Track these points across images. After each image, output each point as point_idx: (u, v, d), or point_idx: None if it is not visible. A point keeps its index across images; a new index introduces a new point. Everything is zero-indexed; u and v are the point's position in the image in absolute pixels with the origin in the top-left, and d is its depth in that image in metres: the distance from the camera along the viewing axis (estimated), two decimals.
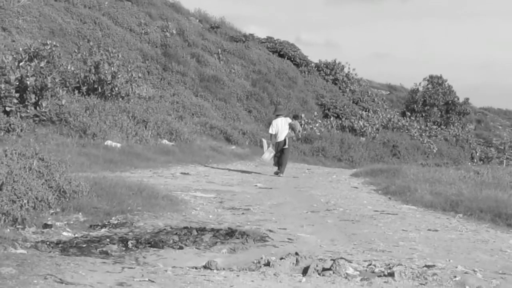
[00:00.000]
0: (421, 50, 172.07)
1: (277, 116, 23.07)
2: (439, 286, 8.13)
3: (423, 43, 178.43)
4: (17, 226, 9.62)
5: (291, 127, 22.64)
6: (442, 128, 45.78)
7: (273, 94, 40.86)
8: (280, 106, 28.62)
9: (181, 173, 20.11)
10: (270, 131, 22.61)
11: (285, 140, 22.20)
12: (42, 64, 23.63)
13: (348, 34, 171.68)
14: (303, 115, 34.74)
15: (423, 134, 42.71)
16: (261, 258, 8.92)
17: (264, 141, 23.48)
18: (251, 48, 45.13)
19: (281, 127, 22.20)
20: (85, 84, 27.69)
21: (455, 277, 8.54)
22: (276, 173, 22.39)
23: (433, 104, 47.42)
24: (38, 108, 22.39)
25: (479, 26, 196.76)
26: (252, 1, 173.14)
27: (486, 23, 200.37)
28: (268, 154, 22.57)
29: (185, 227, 10.74)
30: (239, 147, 31.63)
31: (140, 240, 9.67)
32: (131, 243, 9.50)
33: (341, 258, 8.99)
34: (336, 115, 42.16)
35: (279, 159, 22.37)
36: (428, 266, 8.97)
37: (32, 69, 22.65)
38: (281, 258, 8.91)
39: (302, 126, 33.22)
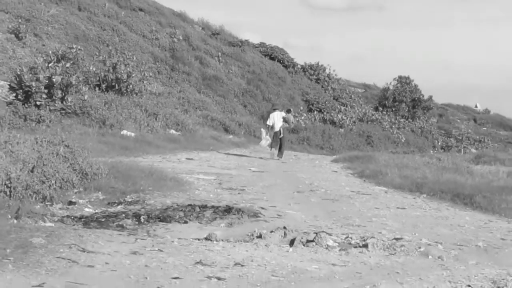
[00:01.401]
0: (392, 54, 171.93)
1: (274, 110, 24.04)
2: (406, 256, 8.15)
3: (394, 48, 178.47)
4: (46, 203, 9.61)
5: (285, 120, 23.15)
6: (409, 121, 45.80)
7: (265, 91, 40.86)
8: (276, 102, 30.19)
9: (186, 158, 20.09)
10: (268, 123, 23.22)
11: (280, 130, 22.71)
12: (68, 65, 23.65)
13: (330, 40, 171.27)
14: (291, 109, 34.78)
15: (393, 126, 42.73)
16: (254, 231, 8.93)
17: (262, 131, 24.01)
18: (246, 51, 45.03)
19: (277, 119, 22.80)
20: (105, 82, 27.74)
21: (419, 248, 8.55)
22: (273, 156, 22.85)
23: (402, 101, 47.43)
24: (64, 102, 22.39)
25: (442, 34, 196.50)
26: (248, 11, 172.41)
27: (447, 31, 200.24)
28: (265, 141, 23.26)
29: (189, 205, 10.75)
30: (236, 136, 31.62)
31: (151, 216, 9.67)
32: (143, 218, 9.51)
33: (323, 231, 9.00)
34: (319, 109, 42.17)
35: (279, 145, 22.90)
36: (396, 239, 9.00)
37: (60, 69, 22.64)
38: (271, 231, 8.92)
39: (295, 119, 33.36)
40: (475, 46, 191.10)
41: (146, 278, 6.41)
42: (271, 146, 23.16)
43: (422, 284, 6.65)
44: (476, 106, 65.01)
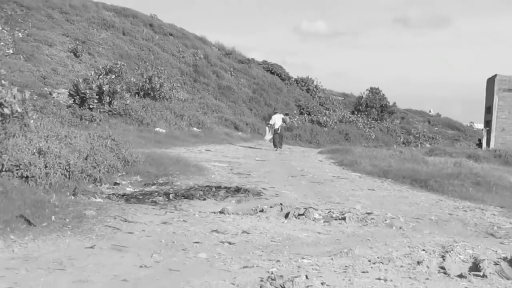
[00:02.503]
0: (365, 70, 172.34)
1: (275, 113, 24.51)
2: (375, 226, 8.15)
3: (366, 65, 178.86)
4: (96, 184, 9.64)
5: (284, 120, 23.74)
6: (378, 122, 45.63)
7: (266, 98, 40.77)
8: (276, 107, 31.08)
9: (205, 150, 20.08)
10: (270, 122, 23.73)
11: (279, 127, 23.16)
12: (114, 77, 23.77)
13: (316, 59, 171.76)
14: (287, 113, 34.68)
15: (366, 126, 42.59)
16: (257, 206, 8.93)
17: (267, 128, 24.54)
18: (252, 67, 44.91)
19: (277, 120, 23.29)
20: (142, 90, 27.76)
21: (385, 220, 8.56)
22: (275, 148, 23.05)
23: (372, 106, 47.26)
24: (111, 106, 22.44)
25: (404, 55, 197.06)
26: (254, 36, 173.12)
27: (407, 53, 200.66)
28: (269, 136, 23.88)
29: (207, 186, 10.76)
30: (244, 133, 31.61)
31: (177, 194, 9.69)
32: (172, 195, 9.52)
33: (311, 207, 9.00)
34: (308, 113, 42.00)
35: (278, 140, 23.24)
36: (368, 213, 9.00)
37: (107, 80, 22.72)
38: (271, 207, 8.93)
39: (290, 120, 33.52)
40: (429, 65, 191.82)
41: (174, 242, 6.42)
42: (273, 141, 23.46)
43: (387, 248, 6.65)
44: (430, 111, 64.76)
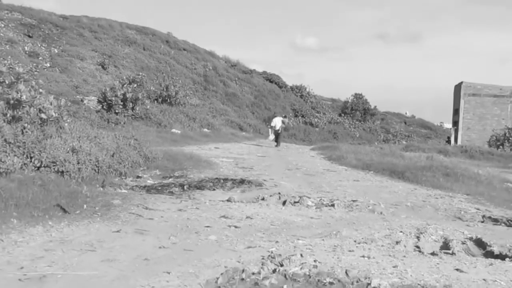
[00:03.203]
0: (350, 79, 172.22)
1: (275, 116, 25.13)
2: (359, 212, 8.13)
3: (351, 74, 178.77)
4: (122, 177, 9.63)
5: (283, 122, 24.21)
6: (361, 123, 45.54)
7: (266, 103, 40.67)
8: (275, 111, 31.48)
9: (214, 147, 20.07)
10: (272, 124, 24.04)
11: (279, 128, 23.67)
12: (135, 86, 23.71)
13: (309, 69, 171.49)
14: (285, 115, 34.64)
15: (351, 126, 42.54)
16: (259, 195, 8.93)
17: (269, 129, 24.70)
18: (254, 77, 44.83)
19: (277, 122, 23.71)
20: (160, 97, 27.78)
21: (368, 206, 8.54)
22: (276, 146, 23.38)
23: (356, 109, 47.20)
24: (133, 110, 22.45)
25: (383, 66, 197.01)
26: (255, 50, 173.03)
27: (386, 65, 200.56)
28: (272, 136, 24.16)
29: (216, 178, 10.75)
30: (247, 133, 31.59)
31: (191, 185, 9.68)
32: (186, 186, 9.51)
33: (304, 196, 8.99)
34: (302, 115, 41.93)
35: (277, 139, 23.72)
36: (353, 201, 8.98)
37: (130, 88, 22.71)
38: (271, 196, 8.92)
39: (288, 122, 33.60)
40: (405, 74, 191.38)
41: (188, 226, 6.41)
42: (274, 139, 23.77)
43: (370, 230, 6.64)
44: (405, 113, 64.65)
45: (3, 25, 28.82)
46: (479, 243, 6.31)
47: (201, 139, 23.13)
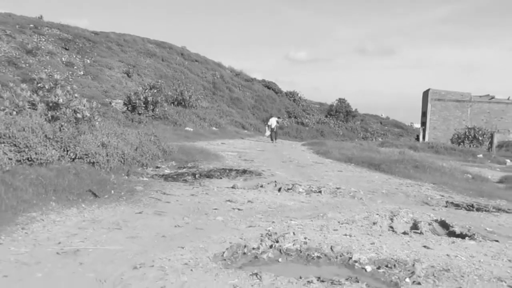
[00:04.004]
0: (335, 85, 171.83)
1: (271, 116, 25.12)
2: (342, 197, 8.11)
3: (336, 82, 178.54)
4: (143, 167, 9.61)
5: (277, 122, 24.19)
6: (344, 123, 45.33)
7: (264, 106, 40.51)
8: (272, 113, 31.43)
9: (221, 143, 20.04)
10: (269, 123, 23.96)
11: (275, 127, 23.49)
12: (155, 91, 23.66)
13: (300, 77, 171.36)
14: (279, 117, 34.60)
15: (335, 126, 42.33)
16: (258, 183, 8.91)
17: (266, 128, 24.73)
18: (254, 84, 44.67)
19: (273, 121, 23.58)
20: (176, 101, 27.69)
21: (350, 193, 8.53)
22: (272, 142, 23.17)
23: (340, 112, 46.98)
24: (153, 112, 22.39)
25: (362, 74, 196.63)
26: (256, 61, 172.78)
27: (365, 73, 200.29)
28: (268, 133, 24.07)
29: (223, 168, 10.72)
30: (248, 131, 31.50)
31: (201, 174, 9.65)
32: (197, 175, 9.48)
33: (296, 183, 8.97)
34: (294, 116, 41.77)
35: (274, 136, 23.49)
36: (337, 188, 8.96)
37: (151, 93, 22.64)
38: (268, 183, 8.90)
39: (282, 121, 33.58)
40: (380, 81, 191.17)
41: (199, 209, 6.40)
42: (270, 136, 23.60)
43: (351, 213, 6.62)
44: (381, 115, 64.42)
45: (44, 39, 28.73)
46: (443, 224, 6.30)
47: (210, 136, 23.09)
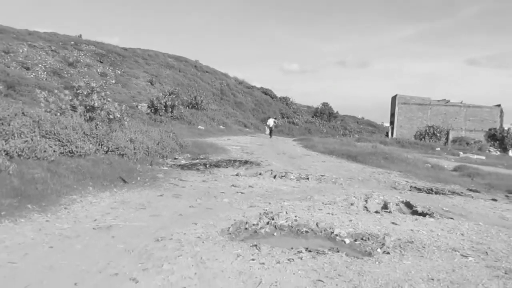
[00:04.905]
0: (320, 92, 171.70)
1: (269, 117, 25.86)
2: (326, 183, 8.09)
3: (321, 89, 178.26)
4: (164, 159, 9.57)
5: (274, 121, 24.51)
6: (328, 122, 45.27)
7: (263, 109, 40.39)
8: (270, 114, 31.15)
9: (227, 139, 19.96)
10: (267, 123, 24.29)
11: (272, 126, 23.77)
12: (174, 96, 23.50)
13: (293, 86, 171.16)
14: (276, 117, 34.47)
15: (320, 125, 42.28)
16: (258, 171, 8.88)
17: (266, 127, 24.98)
18: (254, 90, 44.50)
19: (270, 121, 23.94)
20: (190, 104, 27.52)
21: (332, 179, 8.49)
22: (270, 138, 23.18)
23: (324, 113, 46.92)
24: (172, 113, 22.28)
25: (343, 83, 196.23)
26: (255, 71, 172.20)
27: (345, 82, 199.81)
28: (267, 131, 24.30)
29: (228, 159, 10.70)
30: (249, 129, 31.42)
31: (211, 164, 9.62)
32: (208, 165, 9.44)
33: (289, 172, 8.95)
34: (287, 117, 41.63)
35: (270, 133, 23.73)
36: (322, 175, 8.93)
37: (170, 98, 22.51)
38: (265, 171, 8.87)
39: (278, 121, 33.53)
40: (358, 88, 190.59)
41: (209, 192, 6.38)
42: (268, 134, 23.69)
43: (333, 195, 6.61)
44: (358, 116, 64.32)
45: (82, 54, 28.63)
46: (408, 205, 6.29)
47: (218, 133, 23.03)
